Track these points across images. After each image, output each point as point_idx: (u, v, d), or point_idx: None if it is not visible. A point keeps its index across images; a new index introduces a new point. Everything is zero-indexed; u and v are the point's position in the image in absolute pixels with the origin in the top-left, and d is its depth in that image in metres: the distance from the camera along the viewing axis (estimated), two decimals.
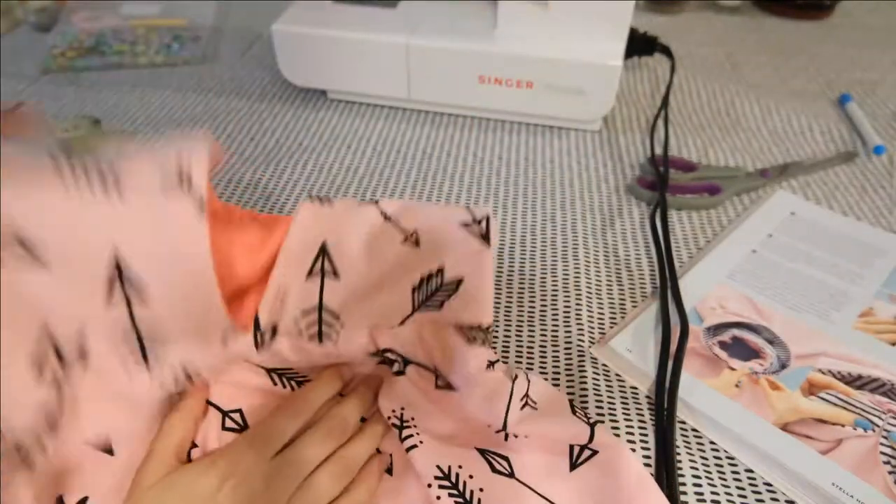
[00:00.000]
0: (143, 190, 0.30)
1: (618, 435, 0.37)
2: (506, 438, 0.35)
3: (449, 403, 0.36)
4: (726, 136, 0.65)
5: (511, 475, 0.33)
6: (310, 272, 0.37)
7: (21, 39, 0.81)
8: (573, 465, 0.34)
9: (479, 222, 0.37)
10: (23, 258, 0.29)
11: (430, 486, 0.32)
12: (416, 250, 0.37)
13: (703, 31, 0.86)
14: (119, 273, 0.31)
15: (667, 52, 0.70)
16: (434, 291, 0.37)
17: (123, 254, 0.30)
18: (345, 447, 0.34)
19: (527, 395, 0.36)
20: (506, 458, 0.34)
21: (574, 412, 0.36)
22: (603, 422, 0.38)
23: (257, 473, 0.31)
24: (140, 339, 0.32)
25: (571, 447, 0.34)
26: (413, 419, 0.35)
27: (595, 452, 0.34)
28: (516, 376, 0.36)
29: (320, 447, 0.34)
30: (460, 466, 0.33)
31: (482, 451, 0.34)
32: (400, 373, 0.37)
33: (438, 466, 0.32)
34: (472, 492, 0.32)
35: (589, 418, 0.36)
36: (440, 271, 0.37)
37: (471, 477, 0.32)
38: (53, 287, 0.30)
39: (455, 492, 0.32)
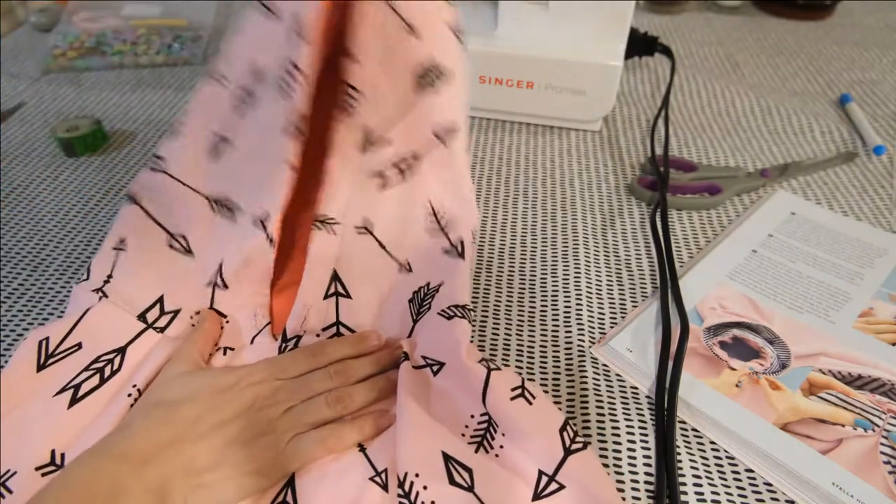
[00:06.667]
0: None
1: (618, 435, 0.37)
2: (476, 450, 0.35)
3: (436, 393, 0.37)
4: (726, 136, 0.65)
5: (470, 489, 0.32)
6: (325, 294, 0.42)
7: (22, 39, 0.81)
8: (536, 496, 0.33)
9: (456, 246, 0.44)
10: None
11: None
12: (409, 275, 0.44)
13: (703, 31, 0.86)
14: None
15: (667, 52, 0.70)
16: (423, 298, 0.43)
17: None
18: (345, 387, 0.38)
19: (523, 387, 0.36)
20: (469, 470, 0.33)
21: (564, 428, 0.34)
22: (603, 426, 0.38)
23: (267, 384, 0.36)
24: None
25: (539, 475, 0.33)
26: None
27: (561, 487, 0.33)
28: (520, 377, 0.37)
29: (325, 382, 0.38)
30: (417, 475, 0.32)
31: (447, 458, 0.33)
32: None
33: (395, 474, 0.33)
34: (422, 503, 0.32)
35: (572, 442, 0.34)
36: (427, 284, 0.43)
37: (424, 488, 0.32)
38: None
39: (406, 502, 0.32)
